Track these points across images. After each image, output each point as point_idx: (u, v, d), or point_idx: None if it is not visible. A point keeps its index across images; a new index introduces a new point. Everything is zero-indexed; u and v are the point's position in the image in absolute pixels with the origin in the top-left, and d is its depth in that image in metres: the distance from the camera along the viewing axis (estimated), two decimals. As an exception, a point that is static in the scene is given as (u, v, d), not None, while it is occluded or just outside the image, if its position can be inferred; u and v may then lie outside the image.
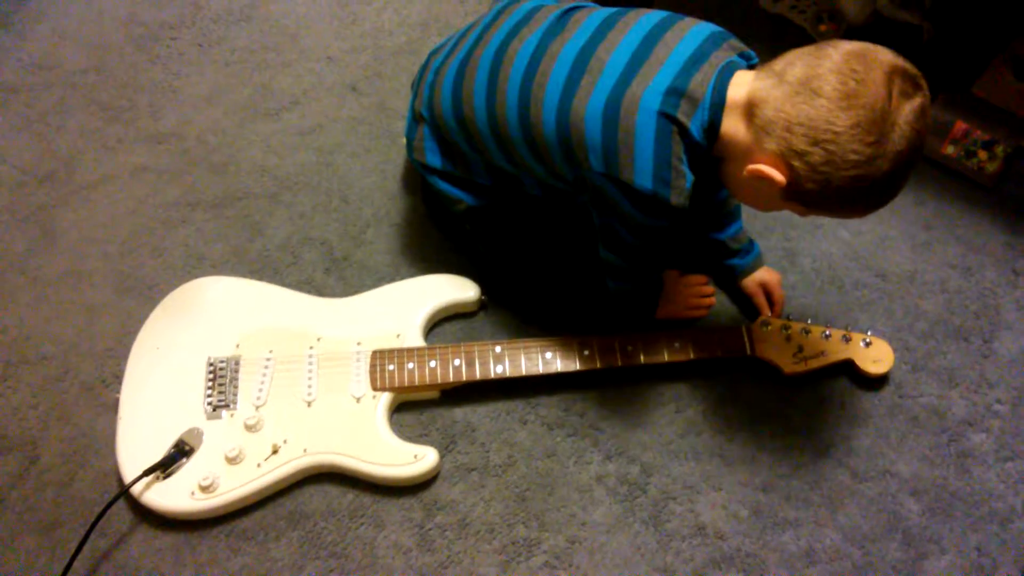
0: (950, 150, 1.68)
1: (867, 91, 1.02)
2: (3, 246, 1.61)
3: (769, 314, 1.48)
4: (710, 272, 1.57)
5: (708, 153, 1.19)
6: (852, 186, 1.06)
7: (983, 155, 1.67)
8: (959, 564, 1.32)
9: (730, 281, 1.56)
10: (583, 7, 1.30)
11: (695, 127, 1.14)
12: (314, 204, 1.67)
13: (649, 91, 1.13)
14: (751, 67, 1.22)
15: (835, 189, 1.06)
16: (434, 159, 1.41)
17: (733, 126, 1.14)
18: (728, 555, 1.33)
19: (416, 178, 1.68)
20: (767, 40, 1.87)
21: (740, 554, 1.33)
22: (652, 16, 1.23)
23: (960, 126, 1.68)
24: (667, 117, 1.13)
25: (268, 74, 1.86)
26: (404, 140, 1.48)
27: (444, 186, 1.43)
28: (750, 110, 1.11)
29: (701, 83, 1.14)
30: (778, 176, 1.09)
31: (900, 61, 1.05)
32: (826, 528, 1.35)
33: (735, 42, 1.22)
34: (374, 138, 1.76)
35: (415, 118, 1.43)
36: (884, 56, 1.04)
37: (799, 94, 1.05)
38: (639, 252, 1.36)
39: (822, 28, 1.87)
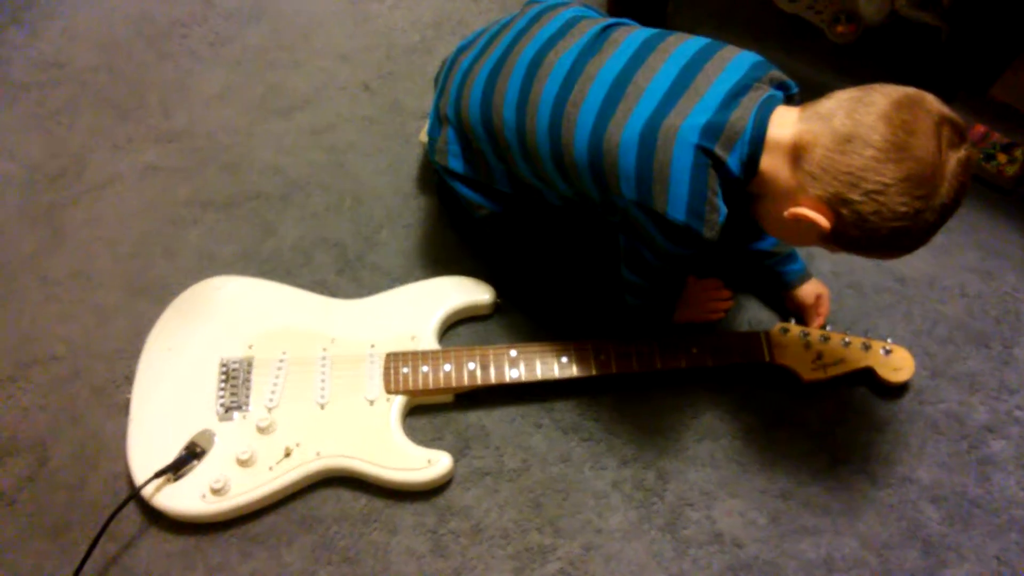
0: (969, 153, 1.66)
1: (917, 143, 1.02)
2: (13, 246, 1.60)
3: (817, 327, 1.46)
4: (734, 273, 1.55)
5: (744, 186, 1.18)
6: (894, 235, 1.06)
7: (1002, 158, 1.65)
8: (979, 572, 1.31)
9: (771, 286, 1.53)
10: (622, 25, 1.28)
11: (733, 161, 1.13)
12: (326, 204, 1.66)
13: (688, 123, 1.12)
14: (790, 98, 1.21)
15: (879, 237, 1.06)
16: (456, 164, 1.39)
17: (776, 166, 1.12)
18: (746, 563, 1.31)
19: (430, 178, 1.67)
20: (783, 40, 1.85)
21: (758, 562, 1.31)
22: (692, 44, 1.21)
23: (979, 129, 1.67)
24: (704, 151, 1.12)
25: (280, 73, 1.85)
26: (419, 140, 1.47)
27: (465, 191, 1.41)
28: (796, 153, 1.10)
29: (741, 118, 1.13)
30: (823, 222, 1.08)
31: (947, 110, 1.04)
32: (845, 536, 1.33)
33: (776, 72, 1.21)
34: (387, 138, 1.75)
35: (439, 118, 1.41)
36: (932, 105, 1.04)
37: (849, 142, 1.04)
38: (662, 274, 1.35)
39: (839, 29, 1.85)
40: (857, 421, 1.43)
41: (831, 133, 1.06)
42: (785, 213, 1.12)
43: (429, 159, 1.57)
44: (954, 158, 1.03)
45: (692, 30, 1.30)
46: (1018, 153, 1.64)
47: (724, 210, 1.16)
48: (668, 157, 1.12)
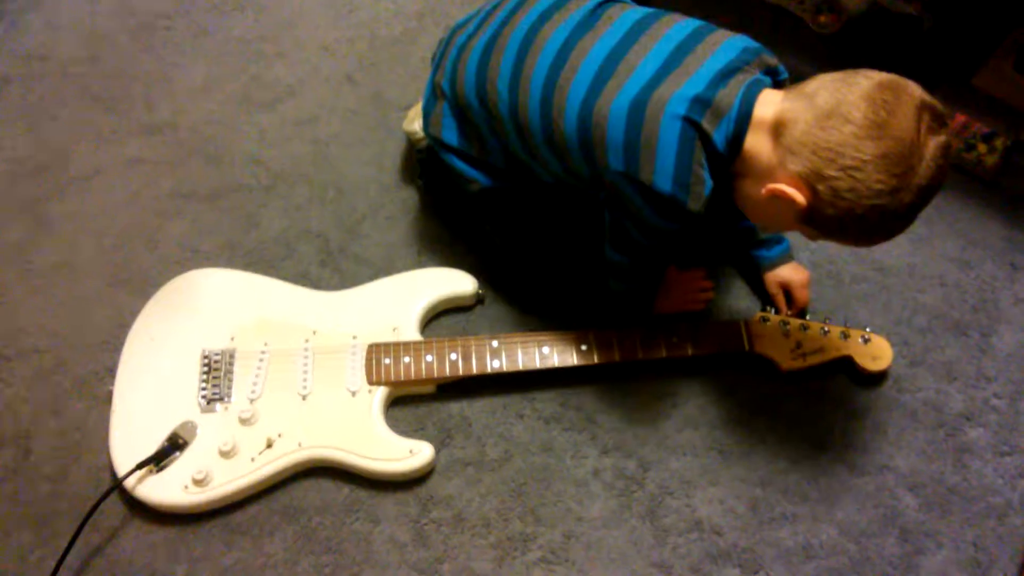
0: (949, 143, 1.67)
1: (897, 123, 1.02)
2: (-4, 238, 1.61)
3: (786, 314, 1.47)
4: (716, 262, 1.56)
5: (728, 165, 1.18)
6: (870, 216, 1.06)
7: (982, 148, 1.66)
8: (956, 559, 1.32)
9: (755, 273, 1.54)
10: (616, 2, 1.29)
11: (719, 137, 1.14)
12: (309, 196, 1.66)
13: (676, 96, 1.13)
14: (779, 83, 1.22)
15: (853, 217, 1.07)
16: (450, 136, 1.39)
17: (758, 143, 1.13)
18: (725, 550, 1.32)
19: (413, 170, 1.67)
20: (766, 30, 1.86)
21: (737, 549, 1.32)
22: (685, 25, 1.22)
23: (960, 118, 1.67)
24: (692, 123, 1.12)
25: (263, 64, 1.85)
26: (403, 129, 1.47)
27: (459, 164, 1.41)
28: (777, 129, 1.10)
29: (728, 95, 1.14)
30: (799, 198, 1.08)
31: (928, 97, 1.05)
32: (823, 523, 1.34)
33: (767, 57, 1.22)
34: (370, 129, 1.75)
35: (434, 93, 1.41)
36: (914, 90, 1.05)
37: (829, 118, 1.05)
38: (646, 253, 1.35)
39: (822, 19, 1.86)
40: (836, 409, 1.44)
41: (813, 109, 1.07)
42: (763, 190, 1.12)
43: (415, 145, 1.57)
44: (933, 142, 1.03)
45: (676, 18, 1.30)
46: (998, 143, 1.65)
47: (710, 183, 1.16)
48: (656, 127, 1.12)
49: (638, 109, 1.14)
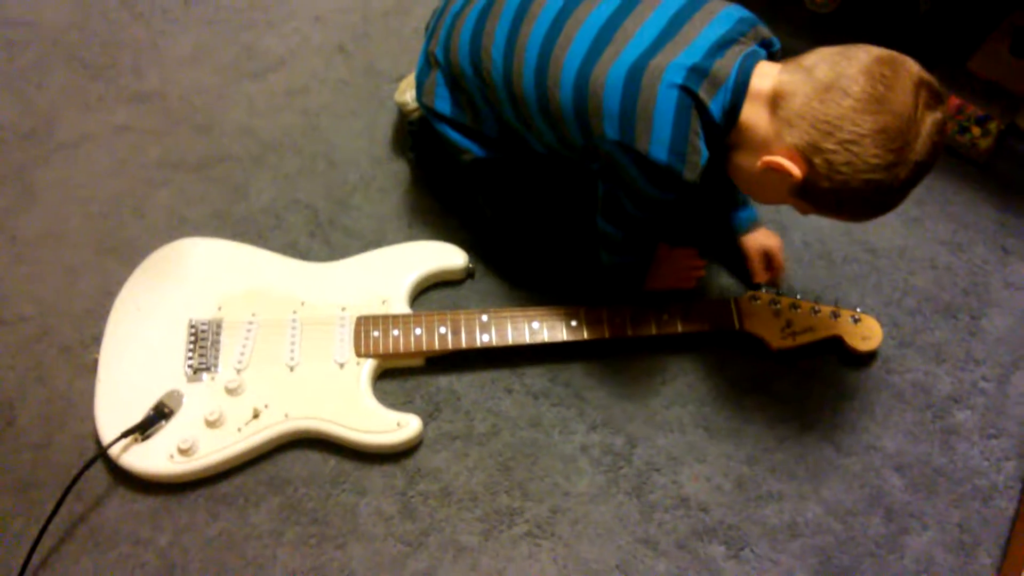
0: (943, 125, 1.66)
1: (896, 98, 1.03)
2: (-19, 204, 1.59)
3: (764, 279, 1.48)
4: (709, 234, 1.56)
5: (724, 136, 1.18)
6: (865, 189, 1.06)
7: (976, 131, 1.65)
8: (941, 540, 1.32)
9: (729, 242, 1.54)
10: None
11: (715, 107, 1.14)
12: (299, 167, 1.65)
13: (673, 65, 1.12)
14: (772, 55, 1.22)
15: (849, 191, 1.07)
16: (443, 105, 1.38)
17: (754, 114, 1.13)
18: (711, 527, 1.32)
19: (405, 141, 1.66)
20: (762, 11, 1.84)
21: (723, 526, 1.32)
22: None
23: (954, 101, 1.67)
24: (689, 92, 1.12)
25: (253, 33, 1.83)
26: (395, 100, 1.46)
27: (452, 134, 1.40)
28: (775, 101, 1.10)
29: (725, 65, 1.13)
30: (795, 170, 1.08)
31: (926, 74, 1.06)
32: (809, 502, 1.35)
33: (761, 28, 1.21)
34: (361, 100, 1.74)
35: (428, 61, 1.40)
36: (912, 66, 1.06)
37: (828, 91, 1.05)
38: (639, 225, 1.34)
39: (818, 0, 1.85)
40: (824, 389, 1.44)
41: (812, 82, 1.07)
42: (759, 162, 1.12)
43: (406, 117, 1.56)
44: (930, 118, 1.04)
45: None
46: (992, 127, 1.65)
47: (706, 153, 1.16)
48: (653, 96, 1.12)
49: (635, 77, 1.13)
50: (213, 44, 1.81)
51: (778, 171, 1.10)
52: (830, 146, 1.05)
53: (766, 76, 1.13)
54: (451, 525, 1.32)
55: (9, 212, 1.58)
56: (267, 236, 1.56)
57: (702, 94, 1.12)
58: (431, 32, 1.41)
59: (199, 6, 1.87)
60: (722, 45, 1.15)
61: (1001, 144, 1.67)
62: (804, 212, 1.17)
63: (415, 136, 1.57)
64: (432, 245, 1.51)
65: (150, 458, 1.30)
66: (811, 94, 1.06)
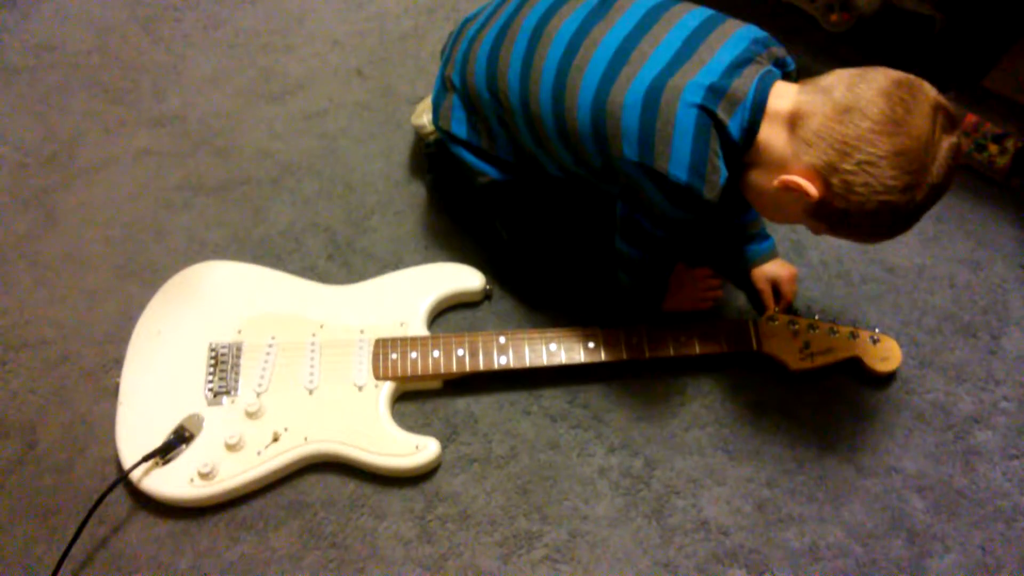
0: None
1: (914, 121, 1.04)
2: (4, 229, 1.60)
3: (773, 310, 1.47)
4: (723, 265, 1.56)
5: (742, 155, 1.18)
6: (881, 211, 1.07)
7: (994, 149, 1.65)
8: (963, 563, 1.31)
9: (741, 273, 1.54)
10: None
11: (734, 126, 1.14)
12: (318, 190, 1.66)
13: (692, 84, 1.13)
14: (787, 75, 1.23)
15: (864, 212, 1.07)
16: (460, 128, 1.39)
17: (772, 134, 1.14)
18: (731, 551, 1.32)
19: (422, 164, 1.66)
20: (777, 31, 1.84)
21: (743, 550, 1.32)
22: (697, 14, 1.22)
23: (971, 119, 1.66)
24: (708, 112, 1.13)
25: (272, 57, 1.85)
26: (411, 122, 1.46)
27: (468, 157, 1.40)
28: (793, 121, 1.11)
29: (743, 84, 1.14)
30: (812, 190, 1.09)
31: (941, 97, 1.07)
32: (830, 524, 1.34)
33: (776, 48, 1.22)
34: (379, 124, 1.75)
35: (444, 85, 1.41)
36: (929, 90, 1.07)
37: (847, 112, 1.06)
38: (658, 245, 1.35)
39: (833, 18, 1.85)
40: (844, 410, 1.43)
41: (831, 103, 1.07)
42: (776, 181, 1.13)
43: (424, 139, 1.56)
44: (947, 141, 1.05)
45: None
46: (1009, 144, 1.64)
47: (725, 172, 1.16)
48: (672, 115, 1.13)
49: (653, 97, 1.13)
50: (233, 68, 1.83)
51: (794, 190, 1.10)
52: (848, 167, 1.05)
53: (783, 96, 1.14)
54: (470, 549, 1.32)
55: (31, 236, 1.60)
56: (286, 259, 1.57)
57: (721, 113, 1.13)
58: (447, 56, 1.41)
59: (219, 30, 1.89)
60: (739, 65, 1.15)
61: (1018, 161, 1.66)
62: (817, 232, 1.17)
63: (432, 159, 1.58)
64: (449, 267, 1.52)
65: (171, 482, 1.30)
66: (830, 115, 1.07)
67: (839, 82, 1.09)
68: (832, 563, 1.31)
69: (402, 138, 1.72)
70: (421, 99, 1.67)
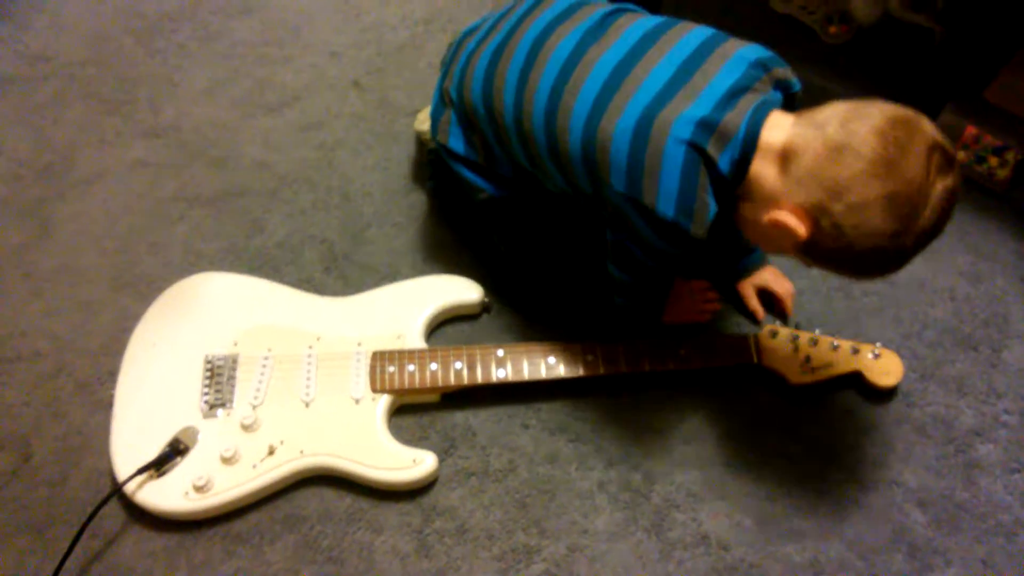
0: (960, 155, 1.66)
1: (907, 163, 1.00)
2: (-2, 240, 1.59)
3: (761, 317, 1.47)
4: (712, 278, 1.55)
5: (733, 188, 1.16)
6: (868, 254, 1.05)
7: (994, 161, 1.65)
8: (965, 577, 1.31)
9: (730, 286, 1.54)
10: (626, 11, 1.27)
11: (724, 162, 1.12)
12: (314, 201, 1.65)
13: (681, 119, 1.11)
14: (792, 95, 1.21)
15: (852, 253, 1.06)
16: (457, 144, 1.38)
17: (764, 169, 1.11)
18: (731, 565, 1.31)
19: (419, 175, 1.66)
20: (776, 41, 1.84)
21: (744, 564, 1.31)
22: (694, 36, 1.20)
23: (971, 131, 1.66)
24: (696, 148, 1.10)
25: (269, 68, 1.84)
26: (415, 128, 1.45)
27: (466, 173, 1.40)
28: (785, 157, 1.08)
29: (735, 118, 1.11)
30: (801, 229, 1.07)
31: (940, 137, 1.03)
32: (831, 539, 1.33)
33: (779, 70, 1.20)
34: (376, 135, 1.74)
35: (443, 99, 1.40)
36: (927, 129, 1.03)
37: (839, 151, 1.02)
38: (649, 273, 1.34)
39: (832, 30, 1.85)
40: (844, 424, 1.42)
41: (823, 140, 1.04)
42: (765, 217, 1.10)
43: (426, 146, 1.56)
44: (941, 185, 1.01)
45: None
46: (1009, 156, 1.64)
47: (714, 208, 1.15)
48: (660, 151, 1.11)
49: (642, 131, 1.12)
50: (229, 79, 1.82)
51: (783, 227, 1.08)
52: (837, 208, 1.03)
53: (778, 127, 1.11)
54: (468, 564, 1.30)
55: (26, 247, 1.59)
56: (282, 271, 1.56)
57: (710, 149, 1.11)
58: (446, 69, 1.41)
59: (215, 41, 1.88)
60: (734, 94, 1.13)
61: (1019, 174, 1.66)
62: (809, 266, 1.15)
63: (433, 165, 1.57)
64: (447, 279, 1.51)
65: (165, 495, 1.29)
66: (822, 153, 1.04)
67: (834, 117, 1.05)
68: (833, 578, 1.30)
69: (399, 149, 1.71)
70: (419, 110, 1.67)
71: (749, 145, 1.11)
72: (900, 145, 1.00)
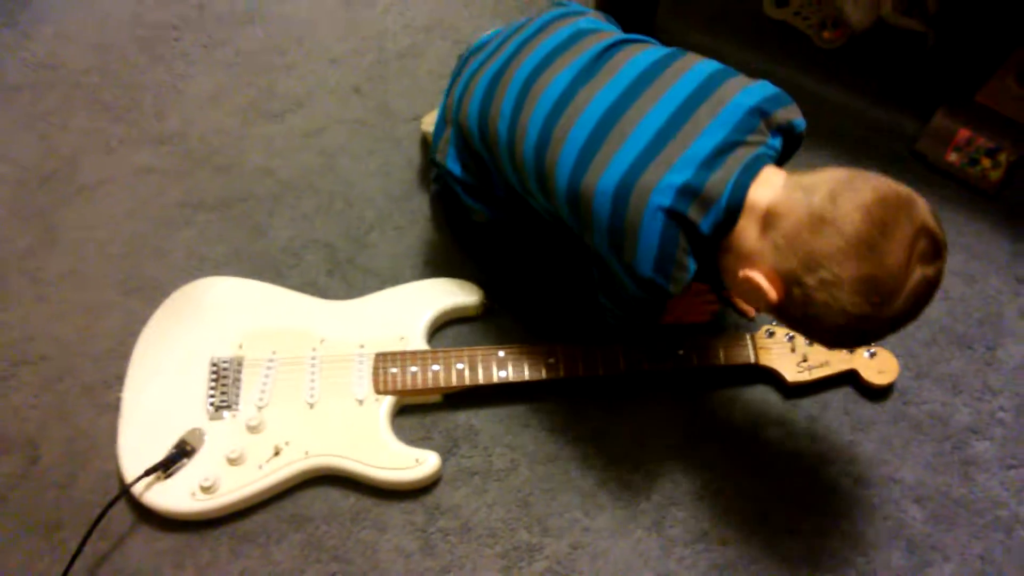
0: (953, 157, 1.68)
1: (888, 247, 0.98)
2: (5, 245, 1.61)
3: (752, 316, 1.49)
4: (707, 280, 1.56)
5: (716, 242, 1.15)
6: (836, 330, 1.04)
7: (986, 163, 1.67)
8: (962, 572, 1.32)
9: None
10: (625, 47, 1.24)
11: (706, 225, 1.11)
12: (317, 206, 1.67)
13: (661, 186, 1.09)
14: (796, 137, 1.20)
15: (819, 325, 1.05)
16: (453, 165, 1.39)
17: (747, 226, 1.09)
18: (732, 561, 1.32)
19: (421, 180, 1.68)
20: (770, 46, 1.87)
21: (743, 561, 1.32)
22: (692, 77, 1.17)
23: (963, 133, 1.68)
24: (676, 215, 1.10)
25: (272, 76, 1.86)
26: (422, 129, 1.45)
27: (462, 195, 1.41)
28: (768, 219, 1.06)
29: (719, 183, 1.09)
30: (772, 293, 1.06)
31: (932, 222, 1.00)
32: (829, 535, 1.34)
33: (780, 112, 1.16)
34: (377, 140, 1.76)
35: (444, 118, 1.40)
36: (918, 213, 1.00)
37: (821, 223, 1.00)
38: (637, 305, 1.33)
39: (826, 35, 1.87)
40: (842, 422, 1.44)
41: (807, 209, 1.02)
42: (740, 274, 1.10)
43: (429, 154, 1.58)
44: (920, 273, 0.99)
45: (681, 37, 1.29)
46: (1002, 158, 1.66)
47: (693, 267, 1.15)
48: (639, 218, 1.10)
49: (622, 196, 1.11)
50: (232, 86, 1.84)
51: (756, 288, 1.08)
52: (810, 281, 1.01)
53: (767, 185, 1.09)
54: (471, 562, 1.32)
55: (31, 253, 1.60)
56: (286, 275, 1.58)
57: (691, 214, 1.10)
58: (449, 87, 1.42)
59: (219, 50, 1.90)
60: (722, 151, 1.11)
61: (1011, 175, 1.68)
62: (779, 324, 1.16)
63: (436, 167, 1.58)
64: (449, 282, 1.52)
65: (172, 496, 1.31)
66: (804, 221, 1.02)
67: (824, 184, 1.02)
68: (832, 574, 1.31)
69: (400, 155, 1.73)
70: (419, 116, 1.69)
71: (733, 209, 1.10)
72: (884, 227, 0.98)
